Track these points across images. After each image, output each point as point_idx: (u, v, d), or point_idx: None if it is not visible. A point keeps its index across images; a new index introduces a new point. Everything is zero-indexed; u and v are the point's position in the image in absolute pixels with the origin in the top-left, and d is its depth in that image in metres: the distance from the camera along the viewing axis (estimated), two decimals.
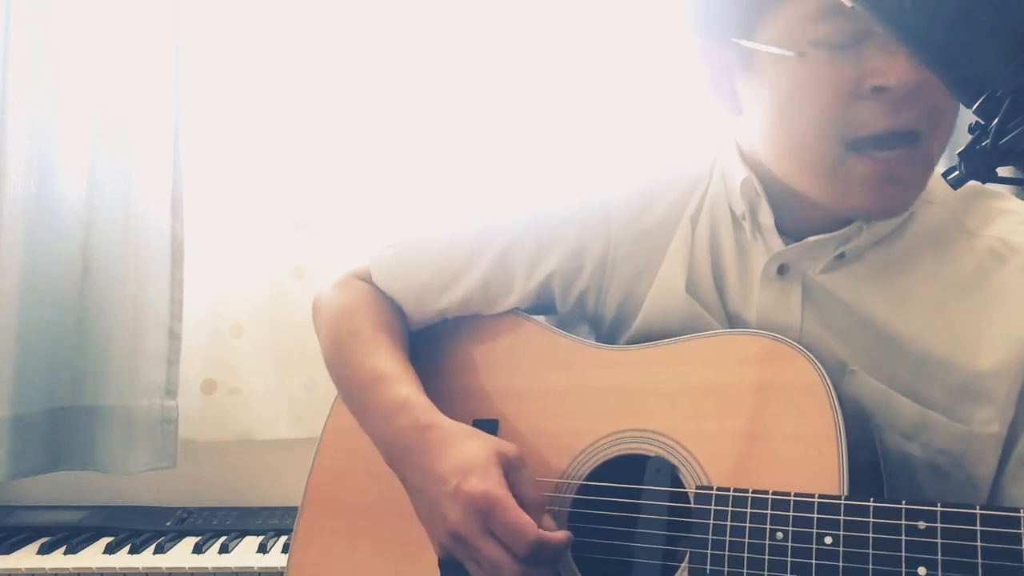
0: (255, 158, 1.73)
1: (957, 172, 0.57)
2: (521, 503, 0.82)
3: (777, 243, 0.89)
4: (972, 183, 0.88)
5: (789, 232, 0.89)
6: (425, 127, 1.75)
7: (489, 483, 0.81)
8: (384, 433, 0.95)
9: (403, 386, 0.95)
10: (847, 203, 0.83)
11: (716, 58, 0.86)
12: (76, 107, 1.62)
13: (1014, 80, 0.50)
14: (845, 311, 0.87)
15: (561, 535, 0.81)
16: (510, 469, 0.85)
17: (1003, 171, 0.55)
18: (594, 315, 1.02)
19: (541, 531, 0.80)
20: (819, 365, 0.81)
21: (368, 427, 0.98)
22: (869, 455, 0.82)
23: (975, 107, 0.53)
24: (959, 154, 0.56)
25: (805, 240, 0.87)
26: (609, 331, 1.01)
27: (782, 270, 0.89)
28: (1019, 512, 0.66)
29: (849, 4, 0.71)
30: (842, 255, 0.87)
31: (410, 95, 1.76)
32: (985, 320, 0.83)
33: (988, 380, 0.82)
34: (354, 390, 1.01)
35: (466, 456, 0.85)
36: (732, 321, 0.93)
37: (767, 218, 0.89)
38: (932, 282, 0.86)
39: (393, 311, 1.08)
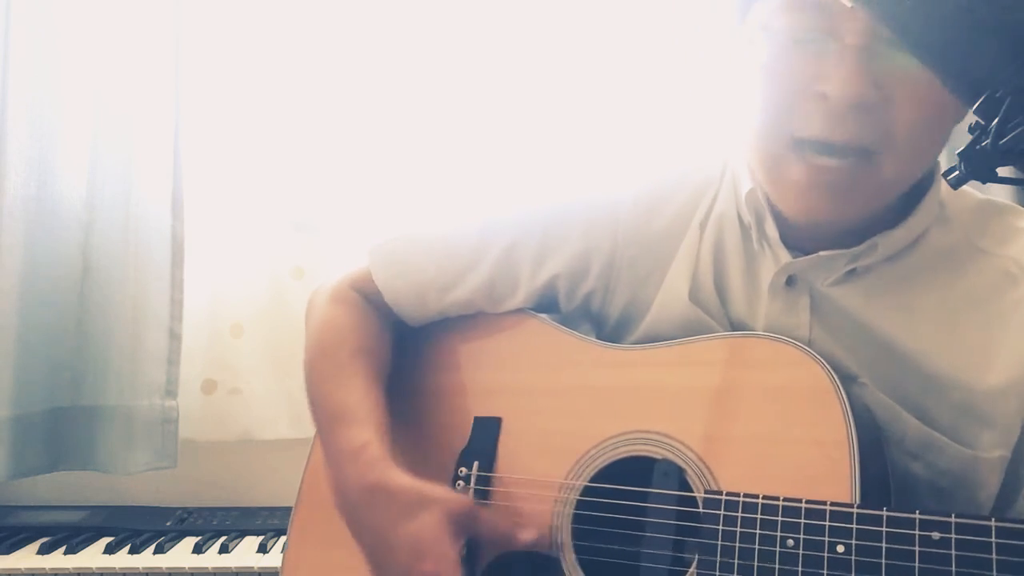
0: (255, 158, 1.73)
1: (957, 172, 0.56)
2: (500, 540, 0.84)
3: (784, 255, 0.88)
4: (989, 198, 0.89)
5: (796, 245, 0.88)
6: (427, 127, 1.75)
7: (442, 565, 0.81)
8: (335, 475, 0.93)
9: (360, 429, 0.92)
10: (787, 206, 0.82)
11: (729, 41, 0.87)
12: (76, 107, 1.62)
13: (1014, 80, 0.50)
14: (854, 325, 0.86)
15: None
16: (469, 526, 0.85)
17: (1003, 171, 0.55)
18: (598, 315, 1.01)
19: None
20: (831, 370, 0.79)
21: (326, 462, 0.96)
22: (878, 464, 0.81)
23: (975, 107, 0.52)
24: (959, 154, 0.56)
25: (817, 254, 0.86)
26: (612, 333, 1.00)
27: (791, 281, 0.88)
28: None
29: (849, 3, 0.71)
30: (853, 270, 0.86)
31: (412, 95, 1.75)
32: (994, 340, 0.82)
33: (994, 401, 0.81)
34: (319, 418, 1.00)
35: (417, 532, 0.83)
36: (736, 329, 0.92)
37: (772, 231, 0.88)
38: (943, 300, 0.84)
39: (378, 331, 1.05)
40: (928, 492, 0.83)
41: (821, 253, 0.85)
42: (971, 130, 0.55)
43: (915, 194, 0.85)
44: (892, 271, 0.86)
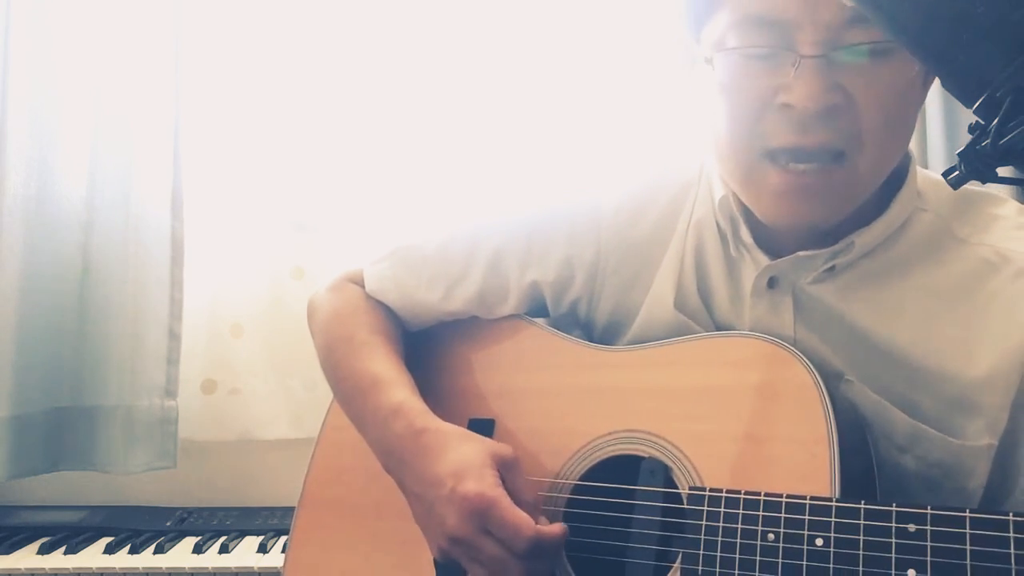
0: (255, 158, 1.73)
1: (957, 172, 0.56)
2: (517, 502, 0.83)
3: (762, 259, 0.89)
4: (967, 187, 0.89)
5: (772, 248, 0.89)
6: (423, 128, 1.75)
7: (484, 484, 0.82)
8: (380, 438, 0.95)
9: (397, 390, 0.95)
10: (764, 213, 0.83)
11: (685, 54, 0.87)
12: (76, 107, 1.62)
13: (1014, 80, 0.50)
14: (836, 322, 0.87)
15: (557, 528, 0.82)
16: (505, 470, 0.86)
17: (1003, 171, 0.55)
18: (586, 322, 1.02)
19: (538, 527, 0.81)
20: (813, 368, 0.80)
21: (364, 432, 0.98)
22: (864, 460, 0.82)
23: (975, 107, 0.52)
24: (959, 154, 0.56)
25: (795, 255, 0.86)
26: (602, 335, 1.01)
27: (772, 283, 0.89)
28: (1008, 515, 0.66)
29: (848, 3, 0.71)
30: (832, 268, 0.87)
31: (408, 96, 1.76)
32: (976, 329, 0.82)
33: (980, 390, 0.81)
34: (349, 395, 1.01)
35: (461, 459, 0.85)
36: (723, 331, 0.92)
37: (747, 236, 0.89)
38: (923, 292, 0.85)
39: (387, 313, 1.08)
40: (919, 485, 0.84)
41: (799, 253, 0.86)
42: (971, 130, 0.55)
43: (889, 189, 0.86)
44: (872, 266, 0.87)
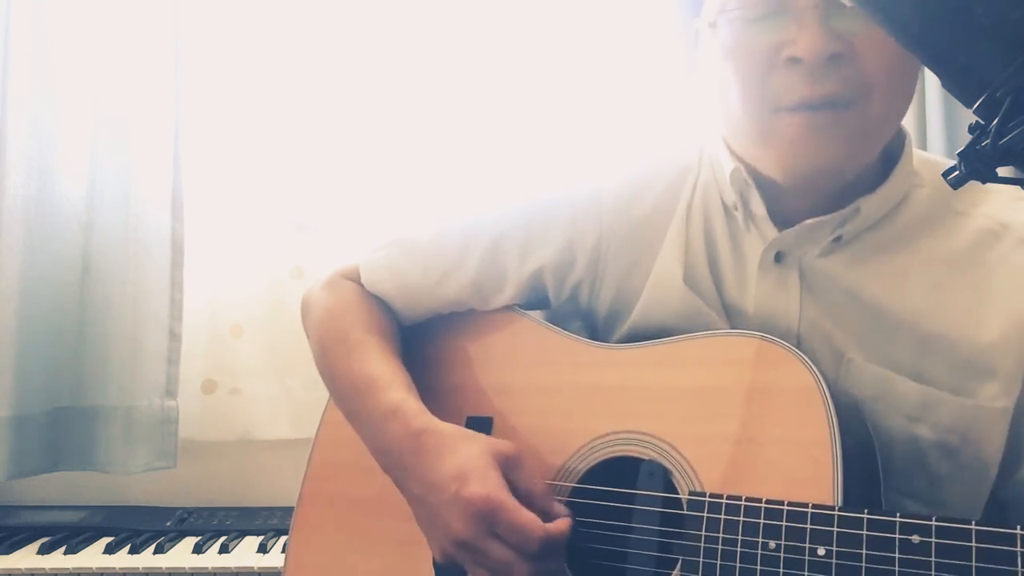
0: (255, 158, 1.73)
1: (957, 172, 0.56)
2: (524, 499, 0.82)
3: (771, 232, 0.89)
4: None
5: (782, 220, 0.89)
6: (421, 125, 1.75)
7: (488, 487, 0.81)
8: (377, 440, 0.94)
9: (394, 391, 0.94)
10: (784, 167, 0.83)
11: (684, 35, 0.88)
12: (76, 107, 1.62)
13: (1014, 80, 0.50)
14: (844, 295, 0.87)
15: (563, 524, 0.82)
16: (508, 468, 0.85)
17: (1003, 171, 0.55)
18: (588, 309, 1.02)
19: (547, 526, 0.80)
20: (815, 369, 0.80)
21: (361, 432, 0.97)
22: (867, 463, 0.81)
23: (975, 107, 0.52)
24: (959, 154, 0.56)
25: (802, 223, 0.86)
26: (604, 324, 1.00)
27: (779, 258, 0.89)
28: (1016, 529, 0.65)
29: (848, 3, 0.71)
30: (839, 238, 0.87)
31: (407, 95, 1.76)
32: (984, 295, 0.83)
33: (991, 354, 0.82)
34: (345, 395, 1.00)
35: (463, 461, 0.84)
36: (729, 312, 0.92)
37: (759, 207, 0.89)
38: (928, 262, 0.86)
39: (383, 310, 1.07)
40: (936, 453, 0.83)
41: (807, 222, 0.86)
42: (971, 130, 0.55)
43: (890, 160, 0.87)
44: (876, 238, 0.87)
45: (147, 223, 1.62)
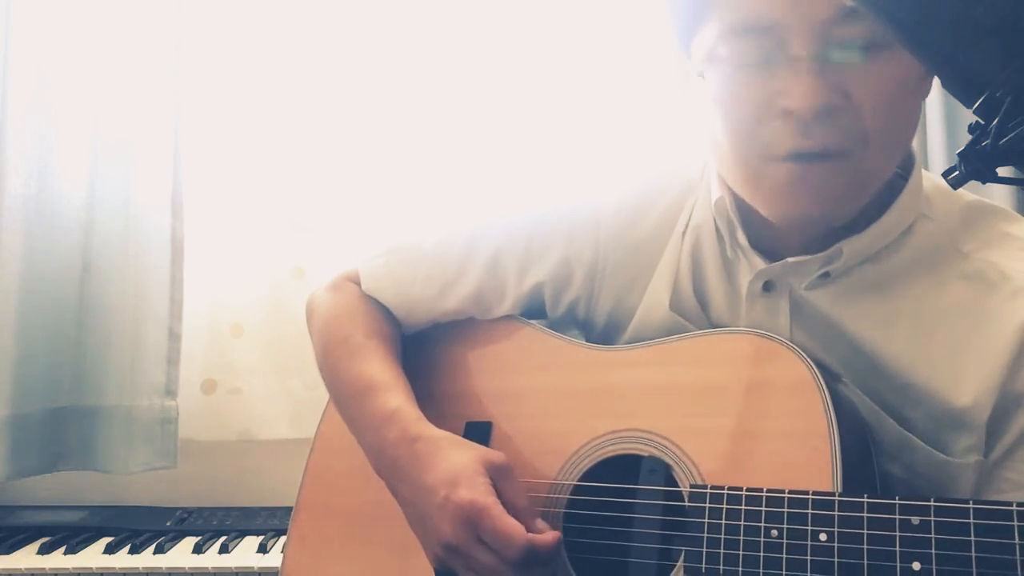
0: (255, 158, 1.73)
1: (957, 172, 0.56)
2: (511, 509, 0.83)
3: (757, 261, 0.88)
4: (981, 199, 0.88)
5: (768, 251, 0.88)
6: (423, 129, 1.75)
7: (476, 492, 0.82)
8: (373, 444, 0.94)
9: (392, 396, 0.95)
10: (774, 212, 0.81)
11: (679, 68, 0.87)
12: (76, 108, 1.62)
13: (1014, 80, 0.50)
14: (831, 329, 0.86)
15: (551, 537, 0.81)
16: (498, 477, 0.85)
17: (1003, 171, 0.55)
18: (584, 323, 1.02)
19: (530, 535, 0.80)
20: (811, 363, 0.80)
21: (358, 435, 0.98)
22: (863, 452, 0.82)
23: (975, 107, 0.52)
24: (959, 154, 0.56)
25: (785, 260, 0.86)
26: (599, 339, 1.00)
27: (768, 287, 0.89)
28: (1012, 505, 0.66)
29: (849, 3, 0.71)
30: (827, 274, 0.86)
31: (408, 97, 1.76)
32: (966, 352, 0.81)
33: (967, 414, 0.81)
34: (344, 398, 1.01)
35: (453, 467, 0.85)
36: None
37: (742, 238, 0.88)
38: (919, 306, 0.84)
39: (385, 314, 1.07)
40: (904, 494, 0.83)
41: (789, 260, 0.86)
42: (971, 130, 0.55)
43: (885, 198, 0.84)
44: (869, 273, 0.86)
45: (147, 223, 1.62)
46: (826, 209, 0.80)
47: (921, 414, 0.83)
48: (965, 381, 0.81)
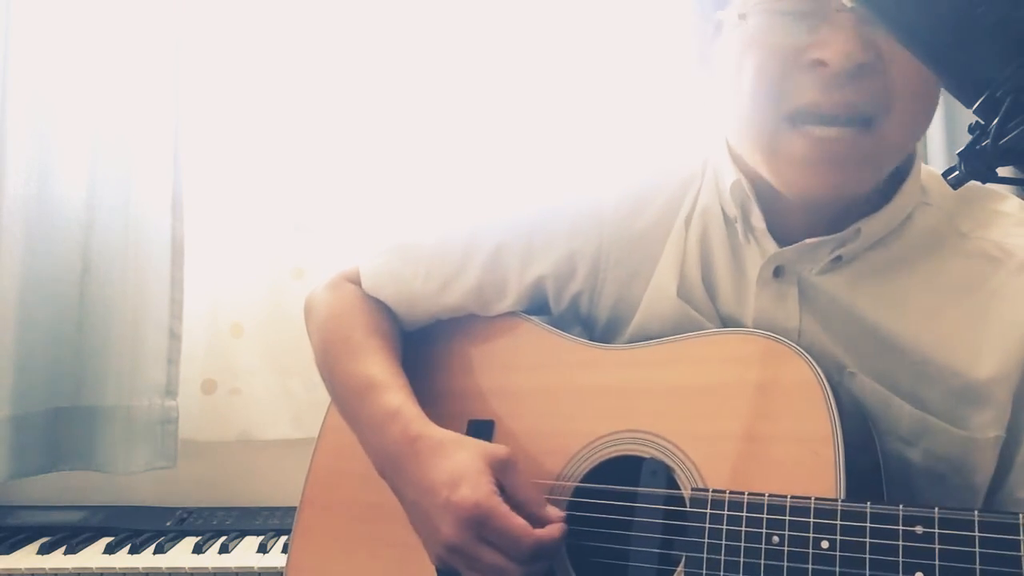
0: (255, 159, 1.73)
1: (957, 172, 0.56)
2: (517, 503, 0.83)
3: (771, 246, 0.88)
4: (971, 183, 0.88)
5: (782, 236, 0.88)
6: (422, 128, 1.75)
7: (479, 493, 0.81)
8: (374, 443, 0.94)
9: (393, 395, 0.94)
10: (787, 183, 0.81)
11: (701, 29, 0.86)
12: (76, 108, 1.62)
13: (1014, 80, 0.50)
14: (843, 313, 0.86)
15: (555, 530, 0.82)
16: (502, 472, 0.85)
17: (1003, 171, 0.55)
18: (587, 317, 1.01)
19: (536, 532, 0.80)
20: (815, 365, 0.80)
21: (359, 435, 0.98)
22: (869, 457, 0.81)
23: (975, 107, 0.52)
24: (959, 154, 0.56)
25: (802, 242, 0.86)
26: (603, 334, 1.00)
27: (778, 272, 0.88)
28: (1018, 518, 0.65)
29: (849, 3, 0.71)
30: (839, 257, 0.86)
31: (407, 95, 1.76)
32: (981, 326, 0.82)
33: (986, 385, 0.81)
34: (344, 398, 1.01)
35: (455, 466, 0.84)
36: (726, 323, 0.92)
37: (759, 221, 0.88)
38: (928, 286, 0.85)
39: (385, 313, 1.07)
40: (924, 479, 0.84)
41: (807, 241, 0.85)
42: (971, 130, 0.55)
43: (895, 179, 0.85)
44: (877, 258, 0.86)
45: (147, 223, 1.62)
46: (841, 185, 0.80)
47: (938, 393, 0.83)
48: (983, 354, 0.81)
